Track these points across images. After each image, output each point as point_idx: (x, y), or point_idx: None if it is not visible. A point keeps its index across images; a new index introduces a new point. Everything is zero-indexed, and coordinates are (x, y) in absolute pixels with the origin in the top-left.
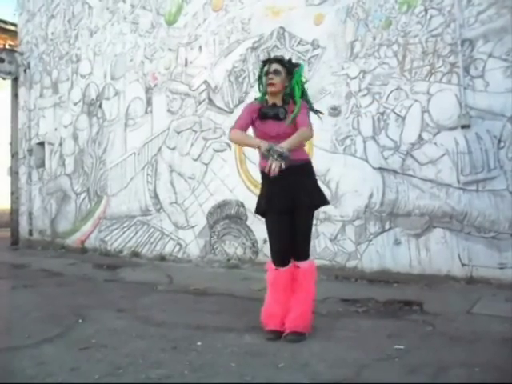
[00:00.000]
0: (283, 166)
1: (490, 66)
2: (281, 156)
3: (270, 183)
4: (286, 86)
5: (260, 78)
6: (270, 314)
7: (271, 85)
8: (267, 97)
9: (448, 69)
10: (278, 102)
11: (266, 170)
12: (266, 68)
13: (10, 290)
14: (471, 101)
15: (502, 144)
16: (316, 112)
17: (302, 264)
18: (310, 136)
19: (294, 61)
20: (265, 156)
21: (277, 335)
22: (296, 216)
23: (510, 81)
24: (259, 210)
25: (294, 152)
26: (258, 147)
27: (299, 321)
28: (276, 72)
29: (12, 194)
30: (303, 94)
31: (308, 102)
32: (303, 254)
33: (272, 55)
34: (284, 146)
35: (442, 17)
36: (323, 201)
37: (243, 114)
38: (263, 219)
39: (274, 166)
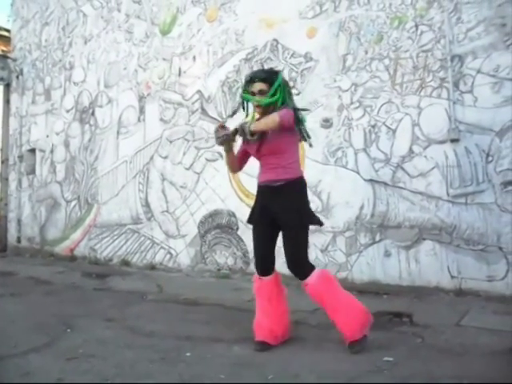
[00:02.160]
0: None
1: (478, 82)
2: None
3: (256, 197)
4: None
5: (244, 92)
6: (258, 324)
7: (258, 107)
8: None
9: (438, 83)
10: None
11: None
12: (250, 88)
13: None
14: (460, 115)
15: (490, 158)
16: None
17: (308, 281)
18: (275, 120)
19: (279, 75)
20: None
21: (263, 347)
22: (282, 234)
23: (497, 96)
24: (247, 219)
25: (280, 170)
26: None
27: (348, 330)
28: (261, 92)
29: (1, 200)
30: (284, 100)
31: (294, 108)
32: (296, 271)
33: (265, 66)
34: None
35: (433, 33)
36: (299, 222)
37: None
38: None
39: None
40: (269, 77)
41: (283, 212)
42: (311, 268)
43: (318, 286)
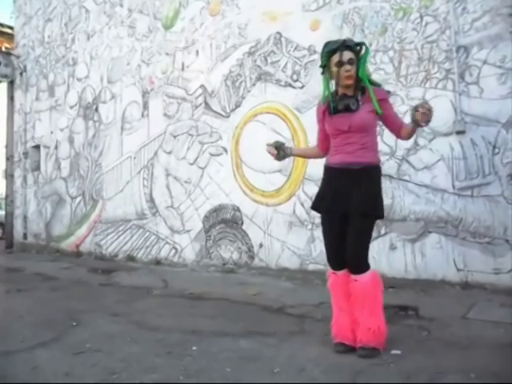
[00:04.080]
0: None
1: (484, 73)
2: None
3: (326, 181)
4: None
5: (325, 67)
6: (337, 323)
7: (349, 77)
8: (338, 88)
9: (443, 75)
10: (349, 92)
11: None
12: (337, 57)
13: (3, 294)
14: (466, 107)
15: (496, 150)
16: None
17: (360, 277)
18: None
19: (365, 44)
20: None
21: (343, 348)
22: (348, 223)
23: (504, 87)
24: (312, 205)
25: (363, 152)
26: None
27: (369, 336)
28: (351, 61)
29: (7, 197)
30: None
31: (380, 86)
32: (357, 265)
33: (269, 60)
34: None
35: (438, 24)
36: (376, 211)
37: (317, 124)
38: (258, 224)
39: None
40: (355, 45)
41: (362, 198)
42: (368, 266)
43: (367, 287)
